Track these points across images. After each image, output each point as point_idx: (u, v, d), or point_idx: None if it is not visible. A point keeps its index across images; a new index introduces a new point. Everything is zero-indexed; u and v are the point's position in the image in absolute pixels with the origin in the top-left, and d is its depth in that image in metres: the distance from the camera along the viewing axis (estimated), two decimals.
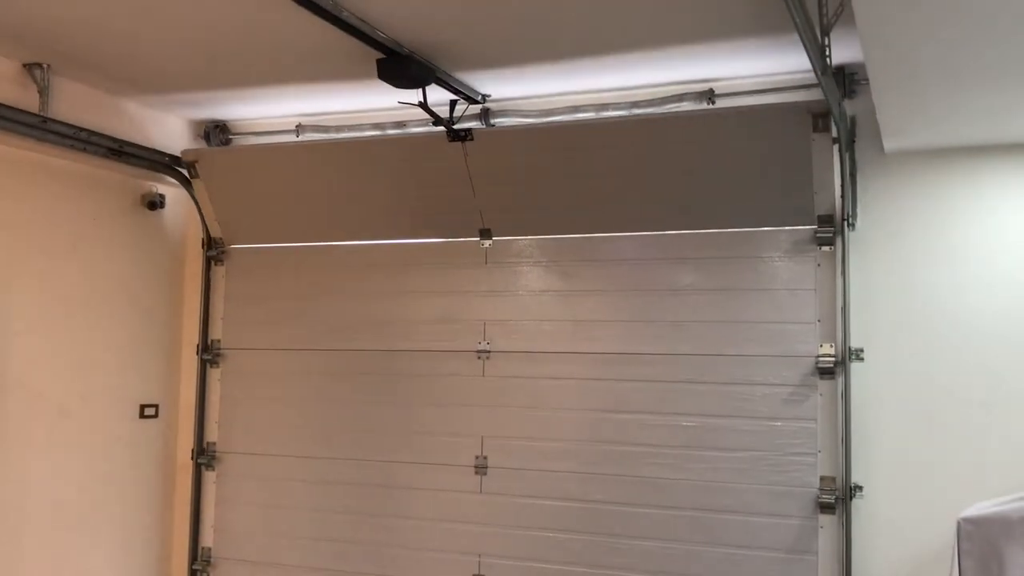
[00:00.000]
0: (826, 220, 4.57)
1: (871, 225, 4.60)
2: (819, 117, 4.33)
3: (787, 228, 4.66)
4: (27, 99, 4.82)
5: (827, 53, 3.37)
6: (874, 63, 3.25)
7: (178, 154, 5.70)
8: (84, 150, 5.16)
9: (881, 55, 3.16)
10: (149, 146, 5.59)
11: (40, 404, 5.04)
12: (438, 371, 5.32)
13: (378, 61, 4.31)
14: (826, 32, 3.30)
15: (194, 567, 5.81)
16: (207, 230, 5.91)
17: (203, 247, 5.95)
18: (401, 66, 4.33)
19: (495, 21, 3.99)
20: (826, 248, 4.58)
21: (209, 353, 5.89)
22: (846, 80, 4.54)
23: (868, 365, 4.54)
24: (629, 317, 4.92)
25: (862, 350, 4.54)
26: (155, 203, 5.74)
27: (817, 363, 4.53)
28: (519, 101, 5.20)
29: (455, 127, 4.90)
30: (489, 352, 5.19)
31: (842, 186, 4.47)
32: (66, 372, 5.20)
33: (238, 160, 5.70)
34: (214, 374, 5.89)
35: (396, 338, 5.42)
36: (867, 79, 3.62)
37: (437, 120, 4.81)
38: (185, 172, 5.75)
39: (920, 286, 4.53)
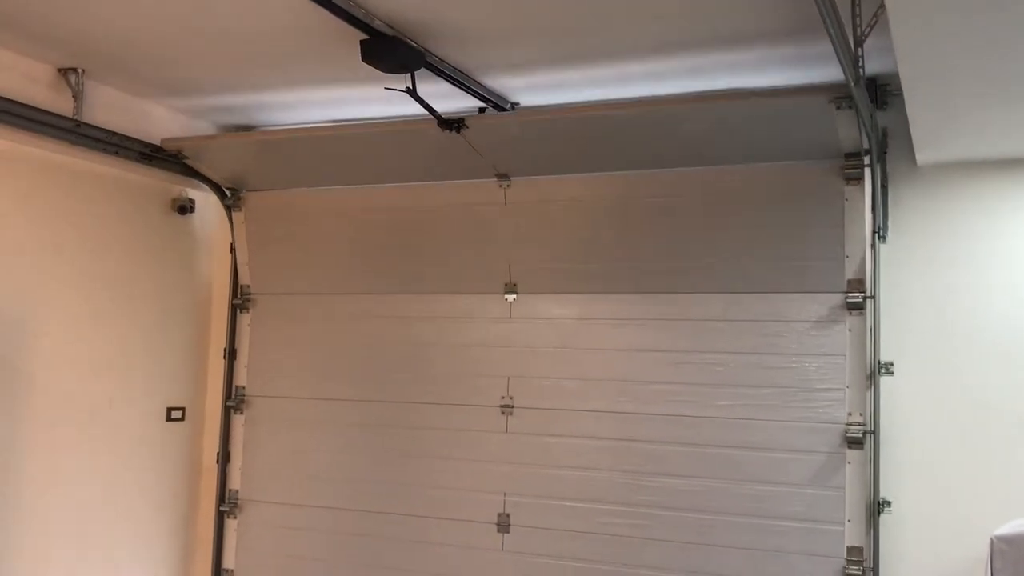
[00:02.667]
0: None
1: (902, 238, 4.57)
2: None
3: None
4: (62, 103, 4.87)
5: (860, 64, 3.35)
6: (908, 75, 3.23)
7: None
8: (116, 154, 5.21)
9: (915, 67, 3.14)
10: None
11: (69, 406, 5.09)
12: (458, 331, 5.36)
13: (362, 42, 3.97)
14: (859, 43, 3.28)
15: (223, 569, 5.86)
16: (236, 278, 5.98)
17: (230, 295, 6.01)
18: (387, 48, 4.00)
19: (509, 14, 3.84)
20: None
21: (241, 298, 5.96)
22: (878, 91, 4.51)
23: (898, 379, 4.49)
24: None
25: (892, 363, 4.49)
26: (185, 208, 5.79)
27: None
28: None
29: (448, 117, 4.65)
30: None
31: (873, 198, 4.43)
32: (95, 374, 5.25)
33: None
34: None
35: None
36: (900, 90, 3.60)
37: (427, 109, 4.52)
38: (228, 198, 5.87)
39: (952, 299, 4.48)
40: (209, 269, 6.08)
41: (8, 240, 4.74)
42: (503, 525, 5.11)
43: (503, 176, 5.13)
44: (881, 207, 4.46)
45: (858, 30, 3.26)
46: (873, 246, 4.50)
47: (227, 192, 5.84)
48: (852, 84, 3.32)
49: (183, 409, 5.85)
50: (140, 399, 5.55)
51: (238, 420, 5.90)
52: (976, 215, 4.48)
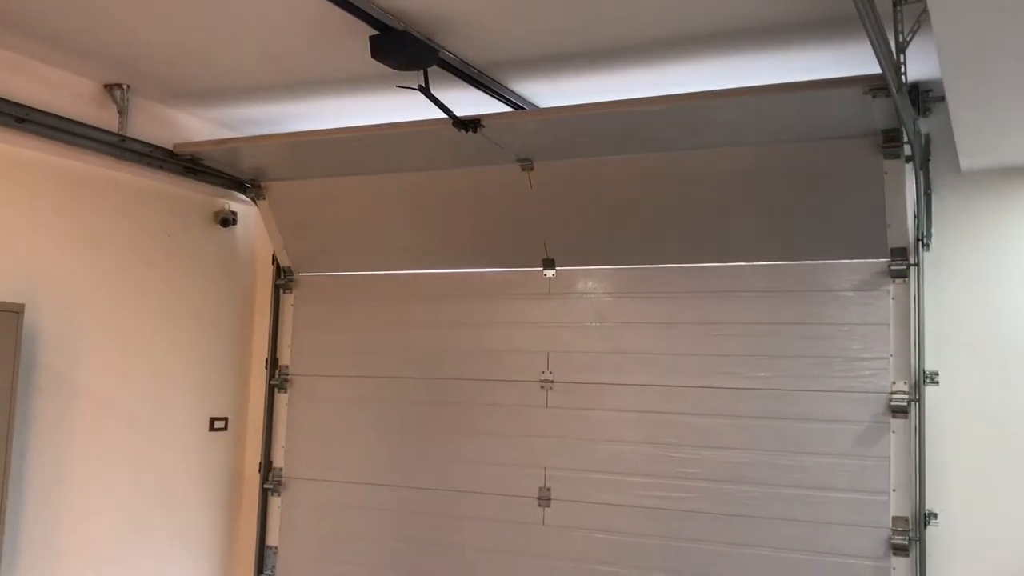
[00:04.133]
0: (899, 253, 4.45)
1: (947, 245, 4.50)
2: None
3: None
4: (107, 118, 4.97)
5: (902, 71, 3.32)
6: (952, 80, 3.19)
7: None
8: (160, 168, 5.29)
9: (959, 70, 3.10)
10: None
11: (113, 415, 5.16)
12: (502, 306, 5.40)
13: (371, 38, 3.85)
14: (902, 49, 3.25)
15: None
16: (276, 260, 6.05)
17: (273, 275, 6.09)
18: (398, 43, 3.86)
19: (528, 5, 3.68)
20: (899, 281, 4.47)
21: (284, 279, 6.04)
22: (920, 97, 4.45)
23: (943, 389, 4.42)
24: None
25: (937, 373, 4.42)
26: (227, 220, 5.87)
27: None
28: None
29: (463, 117, 4.48)
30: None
31: (916, 205, 4.38)
32: (139, 385, 5.32)
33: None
34: (281, 399, 5.98)
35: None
36: (942, 96, 3.55)
37: (441, 108, 4.37)
38: (252, 195, 5.90)
39: (997, 307, 4.40)
40: (251, 280, 6.15)
41: (56, 253, 4.83)
42: (544, 499, 5.12)
43: (526, 161, 5.03)
44: (925, 214, 4.41)
45: (900, 36, 3.23)
46: (916, 216, 4.41)
47: (248, 185, 5.83)
48: (894, 91, 3.28)
49: (226, 419, 5.92)
50: (184, 409, 5.63)
51: (281, 399, 5.97)
52: (1022, 221, 4.40)
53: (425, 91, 4.20)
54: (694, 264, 4.91)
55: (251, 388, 6.10)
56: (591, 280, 5.19)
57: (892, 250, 4.46)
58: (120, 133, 5.00)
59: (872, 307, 4.51)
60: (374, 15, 3.66)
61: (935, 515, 4.35)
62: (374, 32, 3.81)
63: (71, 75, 4.81)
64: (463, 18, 3.81)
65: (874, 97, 3.69)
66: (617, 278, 5.12)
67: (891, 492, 4.38)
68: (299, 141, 5.18)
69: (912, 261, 4.44)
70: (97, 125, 4.90)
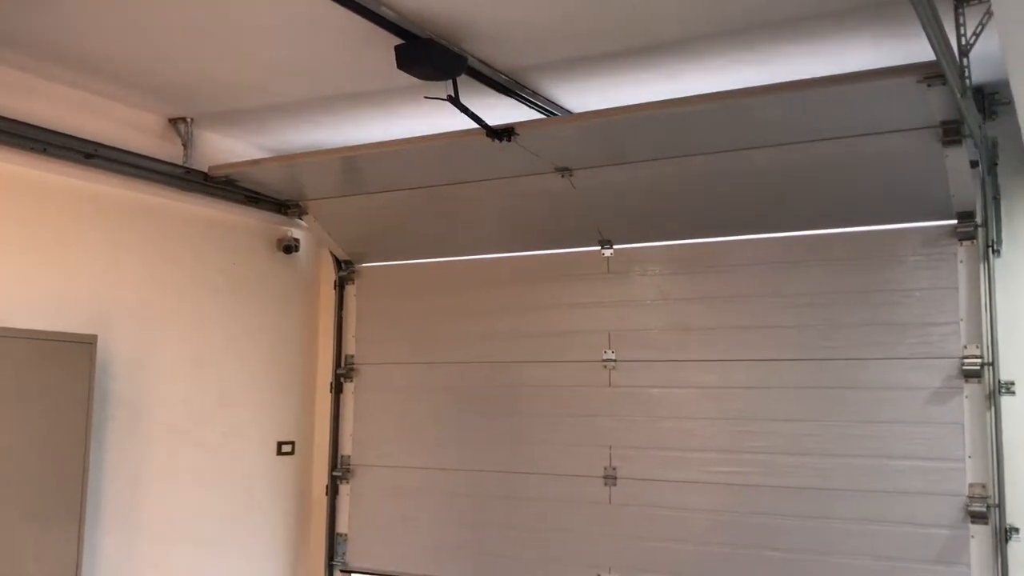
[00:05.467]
0: (965, 216, 4.31)
1: (1017, 252, 4.36)
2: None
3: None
4: (172, 151, 5.10)
5: (966, 74, 3.25)
6: (1020, 83, 3.11)
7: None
8: (224, 198, 5.41)
9: None
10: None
11: (184, 441, 5.26)
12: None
13: (396, 48, 3.73)
14: (965, 53, 3.18)
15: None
16: (336, 257, 6.14)
17: (335, 267, 6.18)
18: (424, 52, 3.72)
19: (560, 5, 3.55)
20: (973, 381, 4.30)
21: (346, 270, 6.13)
22: (985, 100, 4.35)
23: (1020, 399, 4.28)
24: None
25: (1013, 383, 4.28)
26: (290, 247, 5.96)
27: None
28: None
29: (495, 127, 4.34)
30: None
31: (984, 210, 4.26)
32: (209, 410, 5.42)
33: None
34: (348, 388, 6.08)
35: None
36: (1009, 99, 3.46)
37: (473, 118, 4.22)
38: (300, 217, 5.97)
39: None
40: (314, 305, 6.23)
41: (125, 284, 4.95)
42: (610, 478, 5.09)
43: (564, 170, 4.93)
44: (994, 221, 4.29)
45: (962, 38, 3.16)
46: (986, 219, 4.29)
47: (287, 203, 5.86)
48: (959, 95, 3.21)
49: (293, 443, 5.99)
50: (252, 434, 5.71)
51: (348, 388, 6.04)
52: None
53: (455, 101, 4.07)
54: (755, 235, 4.82)
55: (316, 412, 6.17)
56: (649, 257, 5.13)
57: (959, 214, 4.32)
58: (185, 165, 5.12)
59: (940, 271, 4.37)
60: (401, 24, 3.58)
61: (1016, 530, 4.21)
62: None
63: (137, 111, 4.94)
64: (490, 24, 3.72)
65: (929, 86, 3.46)
66: (676, 253, 5.05)
67: (966, 459, 4.25)
68: (333, 158, 5.09)
69: (979, 222, 4.27)
70: (162, 158, 5.03)
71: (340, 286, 6.17)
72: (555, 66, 4.20)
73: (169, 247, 5.22)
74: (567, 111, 4.78)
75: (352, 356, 6.08)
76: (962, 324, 4.32)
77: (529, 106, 4.60)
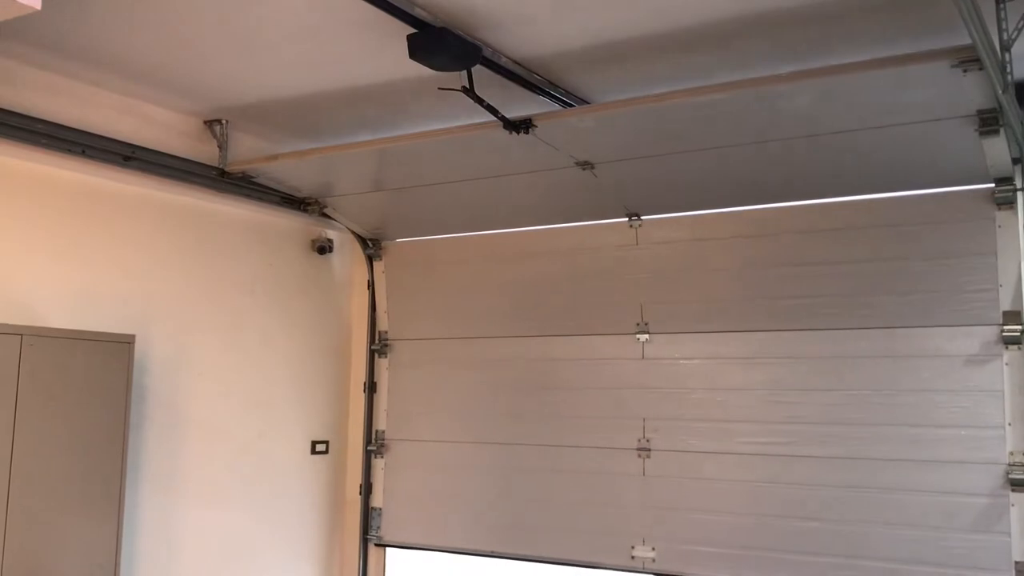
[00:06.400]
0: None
1: None
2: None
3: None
4: (208, 153, 5.14)
5: (1008, 70, 3.19)
6: None
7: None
8: (259, 199, 5.44)
9: None
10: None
11: (220, 441, 5.31)
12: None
13: (409, 37, 3.60)
14: (1007, 48, 3.13)
15: None
16: (373, 325, 6.17)
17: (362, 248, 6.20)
18: (437, 41, 3.59)
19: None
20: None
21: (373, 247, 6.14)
22: None
23: None
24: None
25: None
26: (324, 248, 5.99)
27: (1001, 331, 4.20)
28: None
29: (513, 118, 4.18)
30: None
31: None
32: (244, 410, 5.46)
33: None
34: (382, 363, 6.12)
35: None
36: None
37: (488, 110, 4.07)
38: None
39: None
40: (348, 306, 6.26)
41: (162, 285, 5.00)
42: (643, 450, 5.06)
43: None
44: None
45: (1004, 34, 3.11)
46: None
47: (305, 200, 5.79)
48: (1000, 91, 3.16)
49: (327, 443, 6.02)
50: (286, 433, 5.75)
51: (382, 363, 6.08)
52: None
53: (469, 92, 3.95)
54: (788, 204, 4.76)
55: (350, 412, 6.19)
56: (676, 226, 5.09)
57: (996, 179, 4.21)
58: (221, 167, 5.16)
59: (978, 237, 4.27)
60: (412, 13, 3.48)
61: None
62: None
63: (174, 113, 4.99)
64: (506, 10, 3.55)
65: (965, 72, 3.28)
66: (707, 221, 4.99)
67: (1007, 426, 4.17)
68: (347, 153, 4.99)
69: (1019, 185, 4.17)
70: (199, 160, 5.07)
71: (369, 263, 6.15)
72: (575, 56, 4.02)
73: (205, 248, 5.27)
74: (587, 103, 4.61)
75: (385, 332, 6.09)
76: (1001, 290, 4.22)
77: (550, 100, 4.44)
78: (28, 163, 4.40)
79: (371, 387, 6.10)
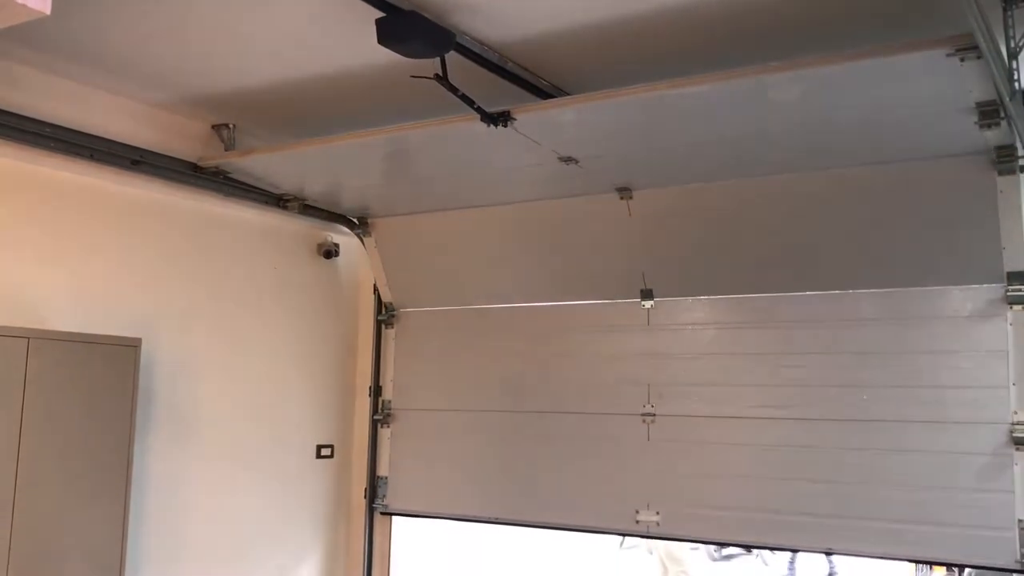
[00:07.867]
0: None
1: None
2: (1002, 150, 3.92)
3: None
4: (215, 157, 5.14)
5: (1015, 77, 3.18)
6: None
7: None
8: (266, 203, 5.45)
9: None
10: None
11: (226, 444, 5.32)
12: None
13: (377, 22, 3.40)
14: (1014, 55, 3.12)
15: None
16: (379, 297, 6.16)
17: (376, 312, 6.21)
18: (407, 27, 3.39)
19: None
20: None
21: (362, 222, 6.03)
22: None
23: None
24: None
25: None
26: (330, 252, 6.00)
27: (1006, 291, 4.18)
28: None
29: (490, 110, 3.96)
30: None
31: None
32: (250, 414, 5.47)
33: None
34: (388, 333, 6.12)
35: None
36: None
37: (464, 101, 3.86)
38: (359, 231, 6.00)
39: None
40: (354, 309, 6.27)
41: (169, 289, 5.02)
42: (648, 415, 5.06)
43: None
44: None
45: (1011, 40, 3.10)
46: None
47: (283, 196, 5.62)
48: (1007, 98, 3.15)
49: (332, 447, 6.02)
50: (291, 437, 5.75)
51: (389, 334, 6.09)
52: None
53: (442, 80, 3.72)
54: (784, 174, 4.62)
55: (355, 415, 6.20)
56: (675, 200, 4.95)
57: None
58: (227, 171, 5.17)
59: (981, 199, 4.16)
60: None
61: None
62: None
63: (181, 118, 5.00)
64: None
65: (963, 60, 3.13)
66: (702, 194, 4.87)
67: (1011, 386, 4.16)
68: (317, 148, 4.76)
69: (1021, 152, 4.07)
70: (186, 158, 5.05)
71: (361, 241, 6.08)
72: (555, 41, 3.80)
73: (212, 252, 5.28)
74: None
75: (391, 303, 6.10)
76: (1004, 252, 4.18)
77: (534, 93, 4.20)
78: (36, 167, 4.42)
79: (376, 391, 6.10)
